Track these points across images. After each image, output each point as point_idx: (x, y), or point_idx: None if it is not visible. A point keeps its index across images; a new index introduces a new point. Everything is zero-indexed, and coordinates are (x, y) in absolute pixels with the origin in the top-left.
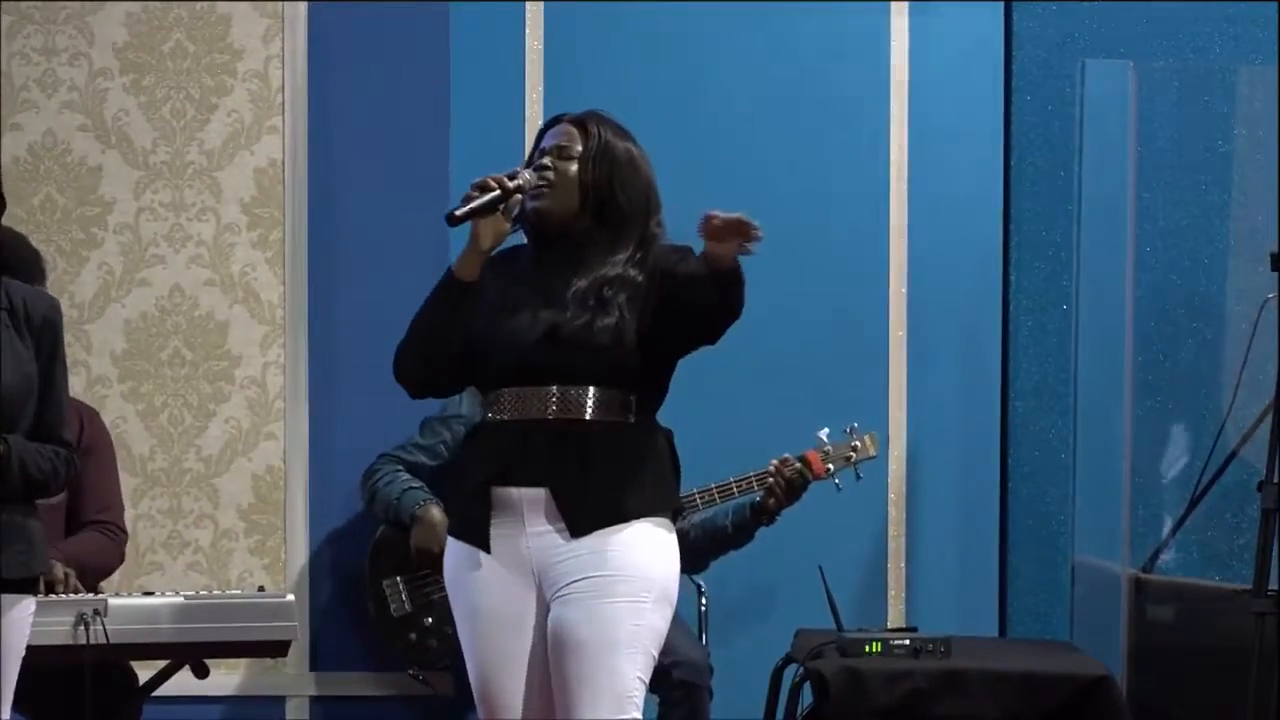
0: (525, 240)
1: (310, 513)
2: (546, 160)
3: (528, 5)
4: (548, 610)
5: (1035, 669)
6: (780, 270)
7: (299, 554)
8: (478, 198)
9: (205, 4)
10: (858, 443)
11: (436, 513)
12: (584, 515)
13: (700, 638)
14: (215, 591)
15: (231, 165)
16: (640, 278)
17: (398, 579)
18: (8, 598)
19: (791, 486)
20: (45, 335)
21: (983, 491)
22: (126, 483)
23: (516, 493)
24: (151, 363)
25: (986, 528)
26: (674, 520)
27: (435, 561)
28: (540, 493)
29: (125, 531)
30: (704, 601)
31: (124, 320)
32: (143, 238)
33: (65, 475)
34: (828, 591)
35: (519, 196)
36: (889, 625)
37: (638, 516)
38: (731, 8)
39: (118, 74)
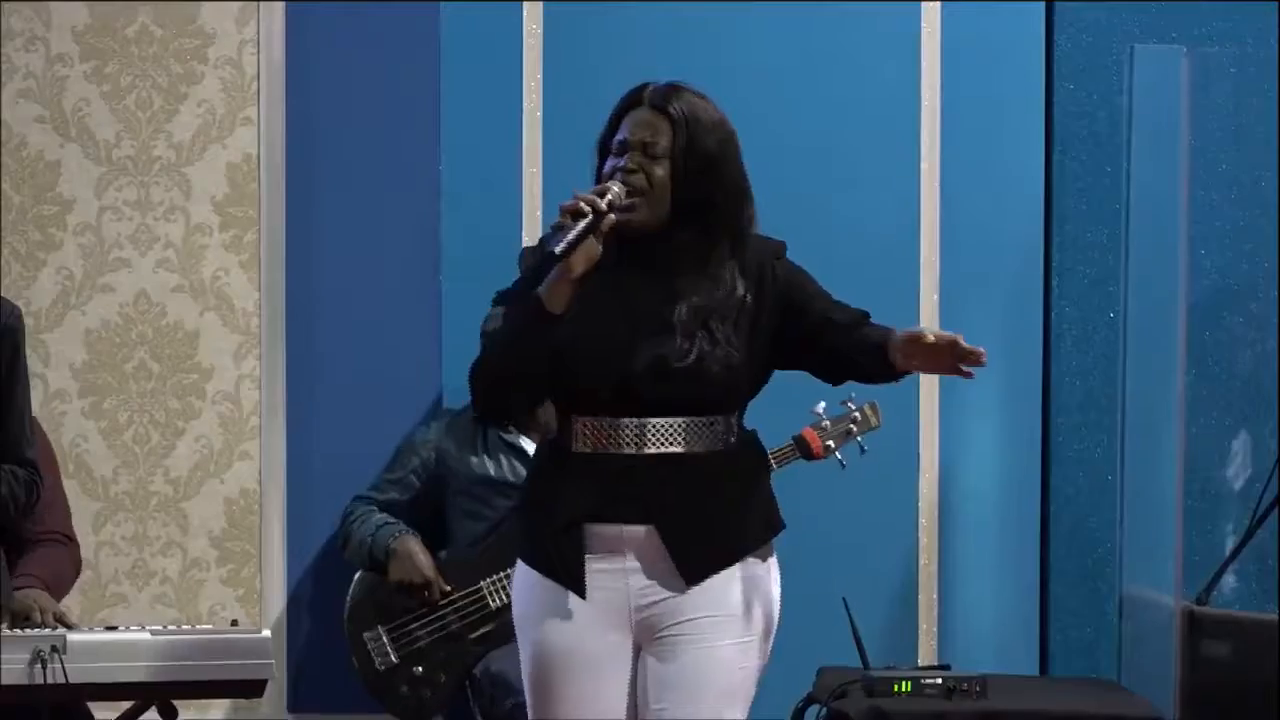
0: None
1: (288, 540)
2: (630, 163)
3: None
4: (638, 651)
5: (1079, 710)
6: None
7: (276, 585)
8: (573, 226)
9: None
10: (858, 414)
11: (413, 543)
12: (696, 559)
13: None
14: (184, 626)
15: (202, 160)
16: (748, 296)
17: (379, 629)
18: None
19: None
20: (4, 346)
21: (1022, 516)
22: (88, 506)
23: (614, 530)
24: (115, 376)
25: (1026, 556)
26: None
27: (419, 595)
28: (642, 530)
29: (74, 539)
30: None
31: (85, 329)
32: (105, 239)
33: (28, 498)
34: (853, 626)
35: (612, 215)
36: (919, 663)
37: (748, 552)
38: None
39: (78, 60)
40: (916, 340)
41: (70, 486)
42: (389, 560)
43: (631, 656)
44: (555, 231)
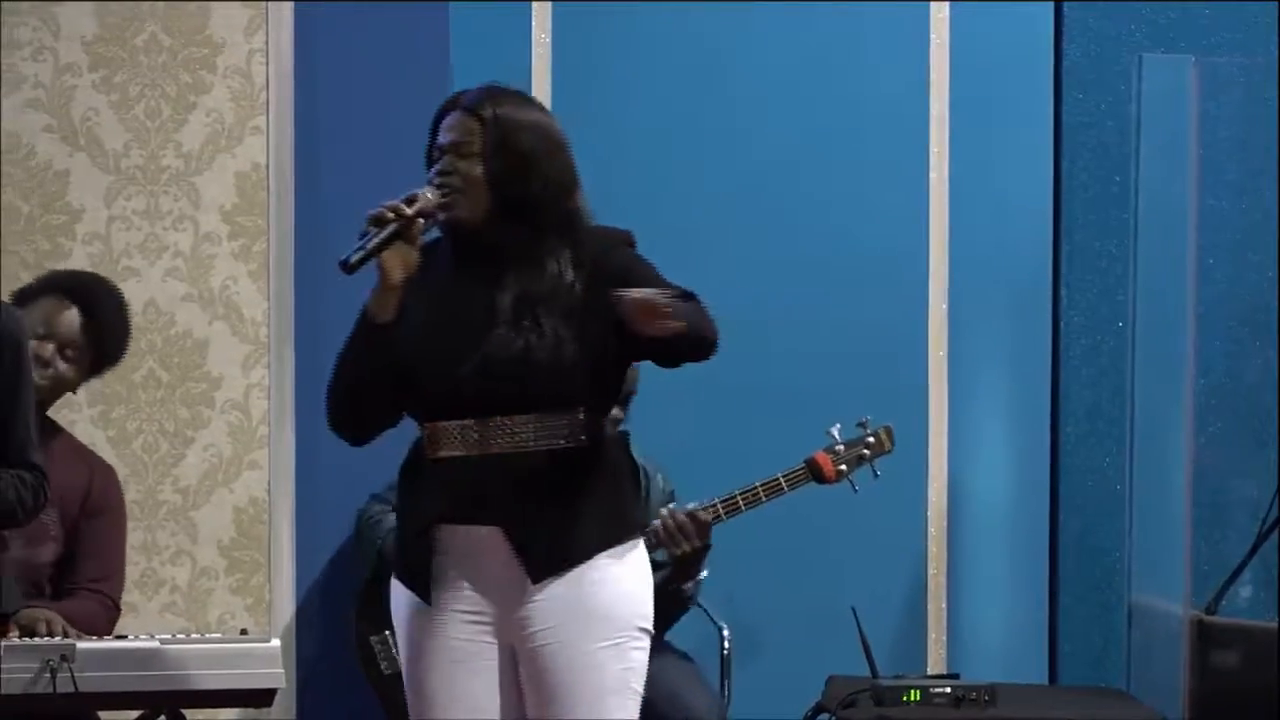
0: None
1: (297, 549)
2: (445, 165)
3: (534, 2)
4: (510, 653)
5: (1088, 719)
6: (812, 286)
7: (285, 594)
8: (374, 235)
9: None
10: (872, 438)
11: None
12: (541, 558)
13: (722, 686)
14: (193, 635)
15: (211, 170)
16: (576, 283)
17: (386, 634)
18: None
19: (673, 537)
20: (6, 351)
21: (1031, 525)
22: None
23: (464, 531)
24: (124, 385)
25: (1035, 565)
26: (641, 534)
27: None
28: (494, 532)
29: (119, 608)
30: (727, 646)
31: None
32: (114, 248)
33: (35, 502)
34: (862, 635)
35: (421, 221)
36: (928, 672)
37: (599, 550)
38: (756, 3)
39: (86, 70)
40: (622, 307)
41: None
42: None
43: (499, 656)
44: (358, 240)
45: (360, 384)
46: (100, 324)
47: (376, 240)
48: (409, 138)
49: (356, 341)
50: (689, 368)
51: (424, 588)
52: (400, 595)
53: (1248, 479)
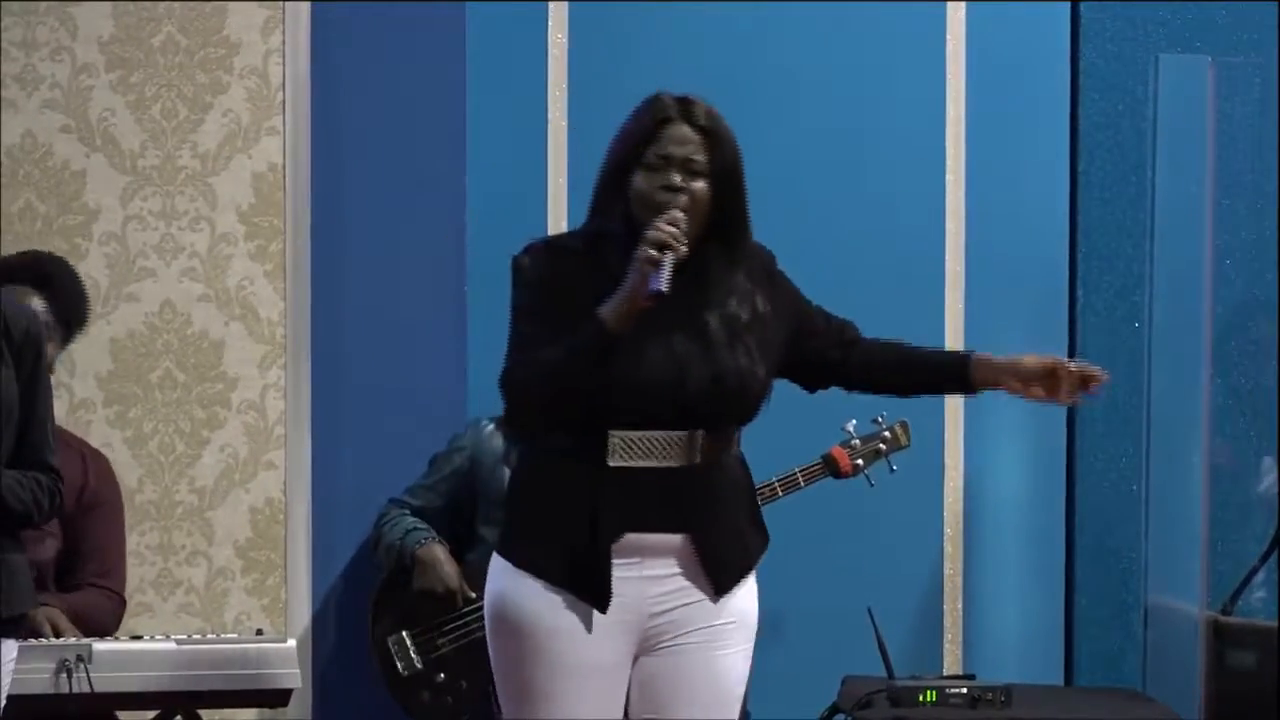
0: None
1: (313, 549)
2: (678, 179)
3: (551, 3)
4: (637, 657)
5: None
6: (829, 286)
7: (301, 594)
8: (664, 259)
9: None
10: (888, 432)
11: (439, 551)
12: (728, 569)
13: None
14: (209, 635)
15: (227, 170)
16: (765, 307)
17: (403, 634)
18: None
19: None
20: (26, 352)
21: (1047, 526)
22: None
23: (650, 539)
24: (140, 385)
25: (1051, 566)
26: None
27: (443, 604)
28: (678, 539)
29: (125, 600)
30: None
31: (110, 339)
32: (131, 249)
33: (50, 505)
34: (878, 635)
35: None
36: (944, 672)
37: (759, 560)
38: (772, 4)
39: (103, 70)
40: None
41: None
42: (414, 567)
43: (629, 664)
44: (650, 266)
45: (577, 390)
46: (61, 299)
47: (672, 262)
48: (425, 137)
49: (583, 351)
50: None
51: (601, 596)
52: (539, 596)
53: (1264, 479)
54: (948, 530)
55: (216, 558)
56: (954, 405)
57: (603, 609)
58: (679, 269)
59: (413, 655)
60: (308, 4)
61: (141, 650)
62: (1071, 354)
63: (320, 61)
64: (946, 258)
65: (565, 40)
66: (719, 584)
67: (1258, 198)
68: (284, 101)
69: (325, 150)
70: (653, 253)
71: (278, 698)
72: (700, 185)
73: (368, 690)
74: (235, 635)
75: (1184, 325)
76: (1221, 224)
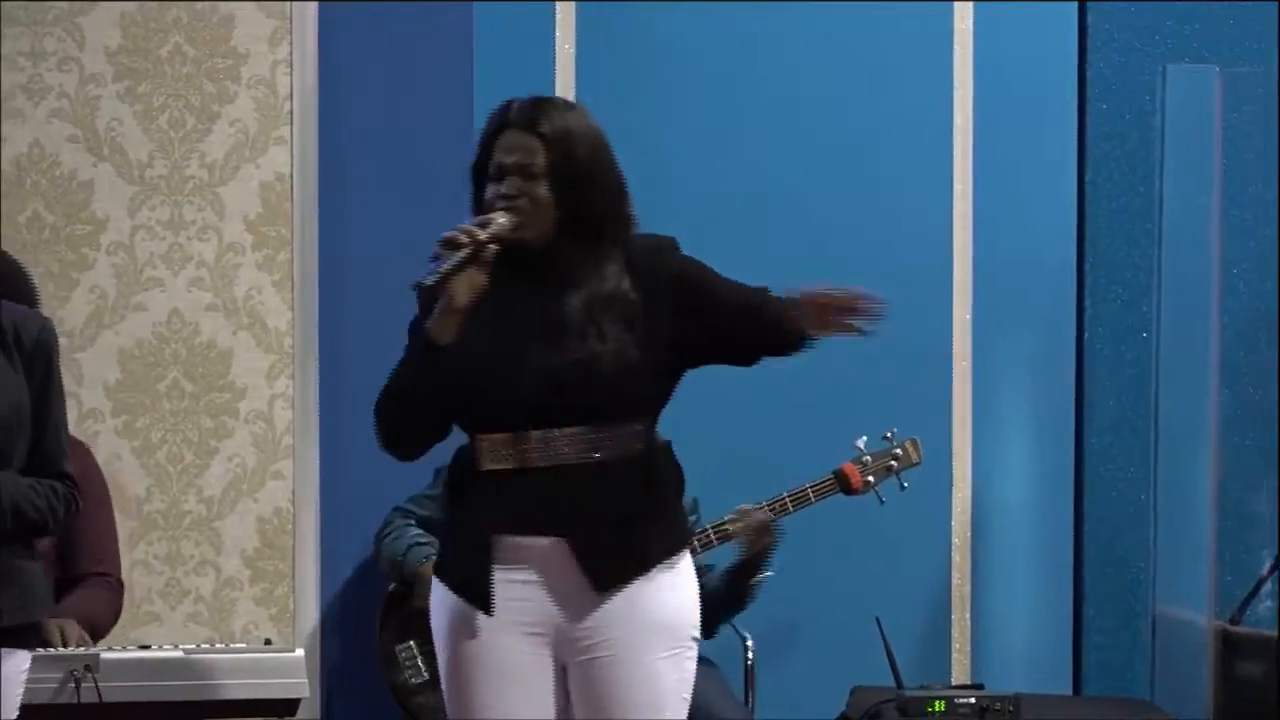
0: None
1: (321, 559)
2: (511, 188)
3: (558, 5)
4: (560, 668)
5: None
6: None
7: (309, 604)
8: (449, 258)
9: (206, 4)
10: (899, 450)
11: None
12: (607, 567)
13: (746, 697)
14: (217, 645)
15: (235, 180)
16: (634, 292)
17: (411, 644)
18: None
19: (756, 533)
20: (38, 359)
21: (1055, 536)
22: (121, 526)
23: (527, 542)
24: (148, 395)
25: (1060, 575)
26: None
27: None
28: (555, 542)
29: (123, 583)
30: (750, 656)
31: (118, 349)
32: (138, 258)
33: (65, 512)
34: (886, 645)
35: (493, 246)
36: (953, 682)
37: (660, 561)
38: (779, 7)
39: (111, 80)
40: (814, 304)
41: None
42: (415, 583)
43: (553, 671)
44: (431, 263)
45: (417, 403)
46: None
47: (451, 264)
48: (433, 147)
49: (414, 362)
50: (712, 375)
51: (483, 599)
52: (447, 605)
53: (1272, 490)
54: (956, 540)
55: (224, 567)
56: (962, 416)
57: (488, 612)
58: (535, 267)
59: (420, 664)
60: (315, 11)
61: (150, 660)
62: (1080, 367)
63: (328, 70)
64: (955, 268)
65: (573, 43)
66: (596, 583)
67: (1264, 208)
68: (291, 111)
69: (333, 160)
70: (436, 249)
71: (285, 707)
72: (539, 188)
73: (376, 700)
74: (243, 645)
75: (1192, 335)
76: (1229, 234)
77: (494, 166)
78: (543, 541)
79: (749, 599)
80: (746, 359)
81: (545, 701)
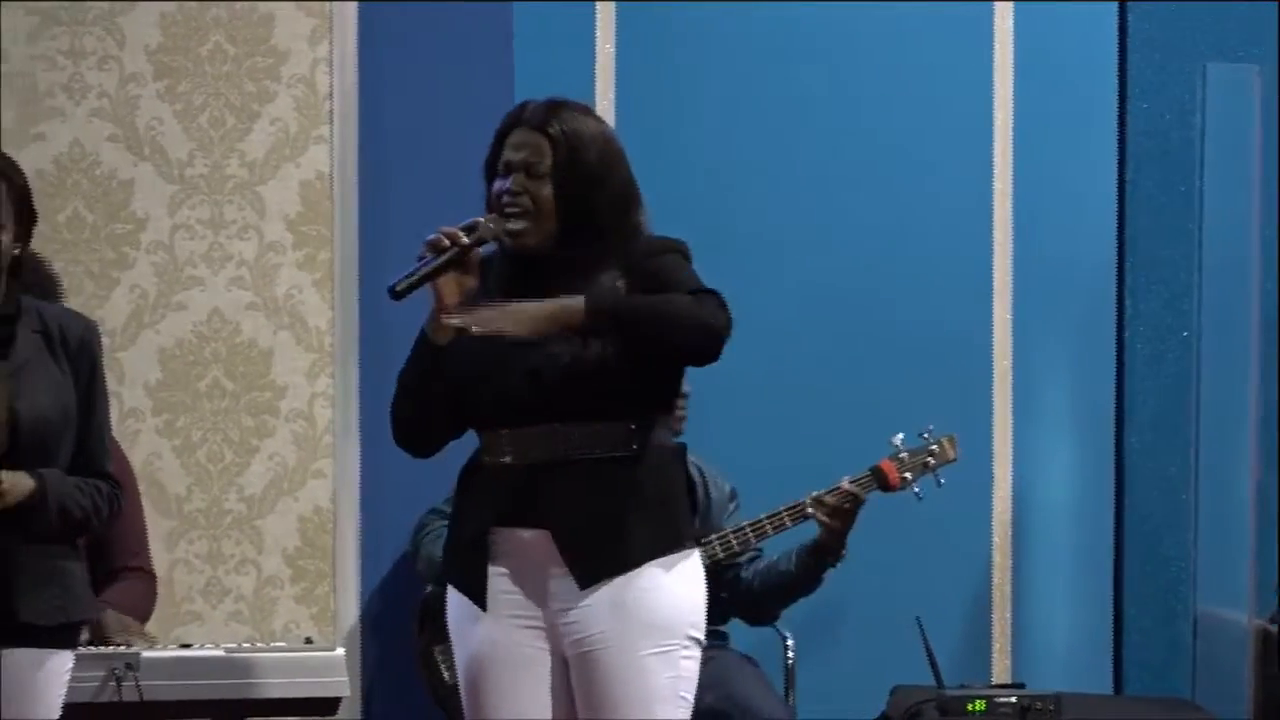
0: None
1: (362, 558)
2: (515, 185)
3: (598, 5)
4: (564, 659)
5: None
6: (875, 295)
7: (349, 603)
8: (428, 262)
9: (246, 3)
10: (935, 446)
11: None
12: (589, 563)
13: (786, 694)
14: (258, 644)
15: (275, 178)
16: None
17: (449, 644)
18: (39, 652)
19: (836, 514)
20: (83, 359)
21: (1096, 535)
22: (162, 525)
23: (520, 535)
24: (188, 394)
25: (1100, 574)
26: (694, 546)
27: None
28: (539, 535)
29: (155, 574)
30: (790, 655)
31: (158, 348)
32: (179, 257)
33: (109, 511)
34: (926, 644)
35: (478, 250)
36: (993, 681)
37: (648, 559)
38: (820, 7)
39: (151, 79)
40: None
41: (144, 504)
42: None
43: (551, 663)
44: (416, 263)
45: (423, 403)
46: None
47: (427, 269)
48: (472, 145)
49: (416, 362)
50: (753, 373)
51: (478, 593)
52: (454, 600)
53: None
54: (996, 538)
55: (265, 566)
56: (1002, 414)
57: (481, 605)
58: (535, 270)
59: None
60: (355, 10)
61: (190, 659)
62: (1120, 365)
63: (367, 69)
64: (994, 265)
65: (613, 43)
66: (579, 577)
67: None
68: (331, 110)
69: (373, 158)
70: (422, 253)
71: (326, 706)
72: (540, 186)
73: (415, 698)
74: (284, 644)
75: (1232, 334)
76: (1270, 232)
77: (501, 163)
78: (530, 534)
79: (819, 582)
80: (678, 364)
81: (543, 689)
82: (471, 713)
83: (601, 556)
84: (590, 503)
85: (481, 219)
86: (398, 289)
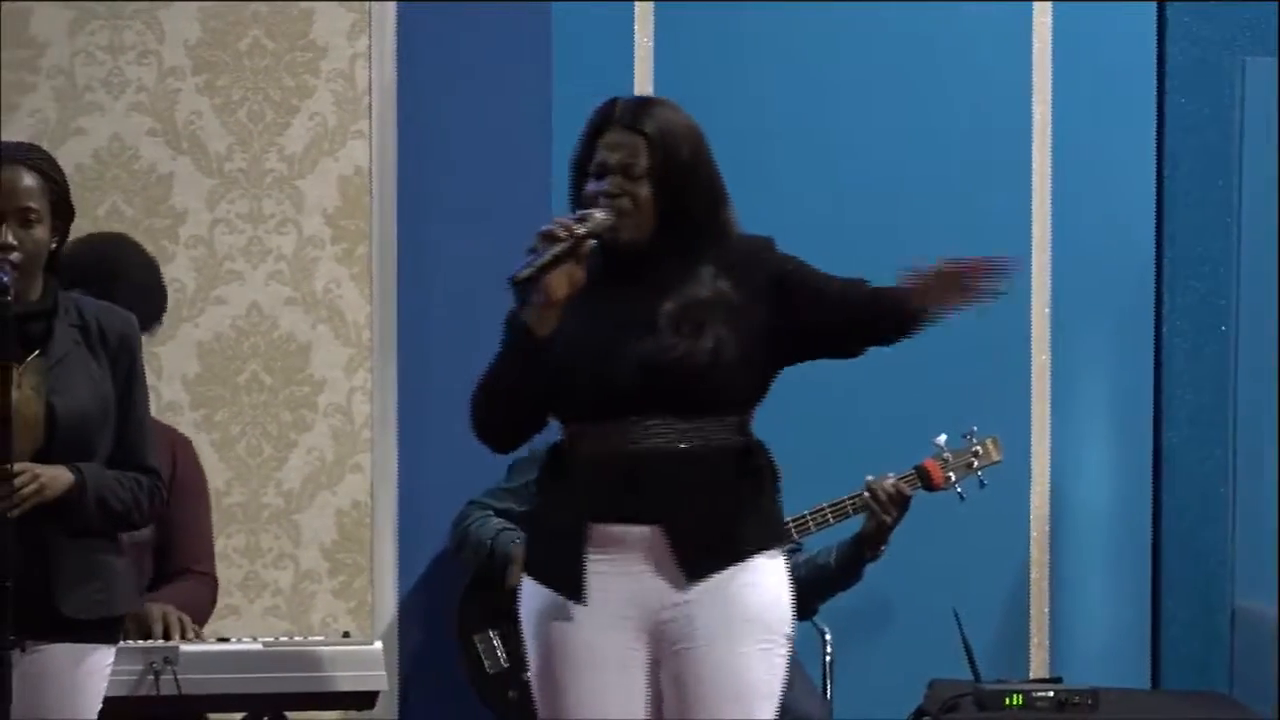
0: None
1: (400, 552)
2: (613, 186)
3: (636, 2)
4: (655, 660)
5: None
6: None
7: (387, 597)
8: (545, 251)
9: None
10: (979, 447)
11: None
12: (700, 556)
13: (824, 689)
14: (296, 638)
15: (314, 173)
16: (733, 293)
17: (490, 633)
18: (80, 647)
19: (891, 503)
20: (122, 354)
21: (1134, 529)
22: None
23: (620, 530)
24: (227, 388)
25: (1138, 569)
26: (790, 541)
27: None
28: (648, 530)
29: (217, 580)
30: (829, 650)
31: (197, 342)
32: (217, 252)
33: (150, 505)
34: (964, 638)
35: (591, 241)
36: (1031, 675)
37: (756, 551)
38: (858, 5)
39: (190, 74)
40: (941, 277)
41: None
42: (509, 565)
43: (645, 663)
44: (528, 255)
45: (516, 395)
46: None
47: (547, 257)
48: (510, 140)
49: (511, 354)
50: (789, 372)
51: (574, 586)
52: (536, 594)
53: None
54: (1033, 533)
55: (303, 560)
56: (1040, 409)
57: (578, 600)
58: (632, 267)
59: (499, 654)
60: (394, 6)
61: (228, 652)
62: (1158, 360)
63: (406, 64)
64: (1033, 261)
65: (651, 40)
66: (688, 570)
67: None
68: (370, 105)
69: (411, 153)
70: (534, 241)
71: (364, 700)
72: (641, 188)
73: (454, 692)
74: (321, 638)
75: (1271, 329)
76: None
77: (596, 164)
78: (635, 529)
79: (859, 576)
80: (853, 349)
81: (640, 695)
82: (549, 710)
83: (712, 549)
84: (701, 496)
85: (594, 212)
86: (521, 277)
